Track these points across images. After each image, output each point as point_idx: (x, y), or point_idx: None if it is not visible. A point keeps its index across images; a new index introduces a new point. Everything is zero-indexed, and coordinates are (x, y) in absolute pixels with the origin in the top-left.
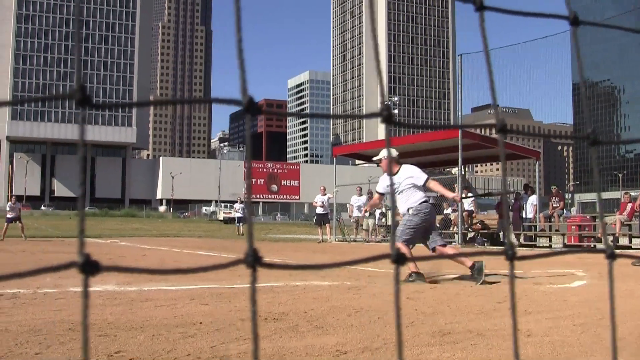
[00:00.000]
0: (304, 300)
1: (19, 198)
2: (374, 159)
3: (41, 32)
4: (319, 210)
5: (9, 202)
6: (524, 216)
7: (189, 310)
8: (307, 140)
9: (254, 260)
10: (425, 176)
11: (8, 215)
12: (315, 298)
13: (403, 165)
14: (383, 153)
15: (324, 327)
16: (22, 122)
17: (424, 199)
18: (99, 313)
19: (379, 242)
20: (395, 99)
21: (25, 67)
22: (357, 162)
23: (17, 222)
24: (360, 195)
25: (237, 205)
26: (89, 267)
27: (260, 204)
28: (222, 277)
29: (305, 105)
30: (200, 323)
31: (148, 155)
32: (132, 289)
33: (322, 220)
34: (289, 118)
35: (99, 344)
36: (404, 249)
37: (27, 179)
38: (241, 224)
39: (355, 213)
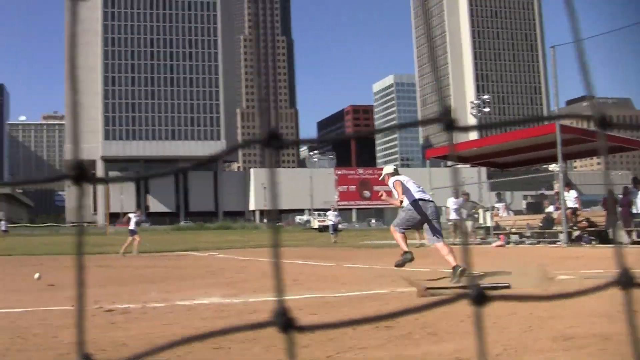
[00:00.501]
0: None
1: (116, 215)
2: (383, 172)
3: (127, 53)
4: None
5: (134, 214)
6: (634, 211)
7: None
8: (396, 144)
9: (285, 323)
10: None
11: (131, 228)
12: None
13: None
14: (387, 169)
15: (438, 333)
16: (115, 142)
17: (412, 199)
18: (211, 325)
19: (478, 244)
20: (486, 96)
21: (115, 88)
22: (450, 163)
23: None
24: (457, 197)
25: (330, 213)
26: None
27: (354, 211)
28: (324, 286)
29: (393, 109)
30: (313, 333)
31: (238, 167)
32: (238, 300)
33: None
34: (376, 122)
35: (216, 357)
36: (396, 234)
37: (122, 196)
38: (335, 232)
39: (452, 215)
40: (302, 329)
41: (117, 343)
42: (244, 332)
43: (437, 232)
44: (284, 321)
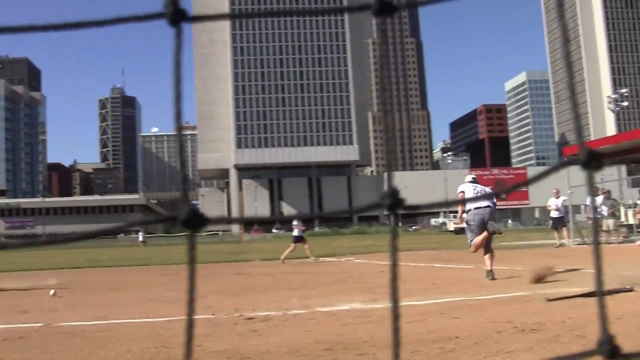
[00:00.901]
0: (559, 308)
1: (250, 223)
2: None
3: (257, 61)
4: (554, 214)
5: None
6: None
7: (442, 325)
8: (531, 143)
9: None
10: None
11: (295, 234)
12: (570, 306)
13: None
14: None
15: (587, 336)
16: (247, 150)
17: (469, 209)
18: (352, 332)
19: (620, 243)
20: (624, 90)
21: (245, 97)
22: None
23: (303, 242)
24: (597, 194)
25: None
26: None
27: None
28: (466, 289)
29: (526, 107)
30: (457, 337)
31: (372, 171)
32: (379, 305)
33: (558, 223)
34: (509, 121)
35: None
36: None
37: (256, 203)
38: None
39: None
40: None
41: (259, 351)
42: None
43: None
44: (609, 350)
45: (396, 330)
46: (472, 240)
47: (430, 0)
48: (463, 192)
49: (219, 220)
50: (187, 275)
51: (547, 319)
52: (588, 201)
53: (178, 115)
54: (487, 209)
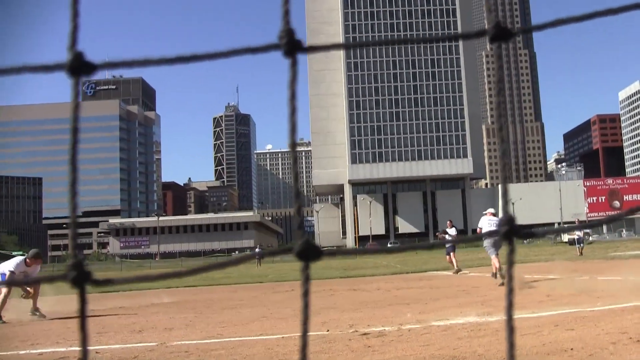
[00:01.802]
0: None
1: (365, 238)
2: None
3: (370, 77)
4: None
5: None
6: None
7: (556, 337)
8: None
9: None
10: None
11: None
12: None
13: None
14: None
15: None
16: (362, 165)
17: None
18: (468, 345)
19: None
20: None
21: (360, 112)
22: None
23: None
24: None
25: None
26: None
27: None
28: (581, 300)
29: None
30: (572, 349)
31: (486, 184)
32: (494, 319)
33: None
34: (623, 130)
35: None
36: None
37: (371, 218)
38: (581, 244)
39: None
40: None
41: None
42: None
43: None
44: None
45: (511, 345)
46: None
47: (543, 26)
48: (481, 228)
49: (334, 252)
50: (301, 306)
51: None
52: None
53: (293, 130)
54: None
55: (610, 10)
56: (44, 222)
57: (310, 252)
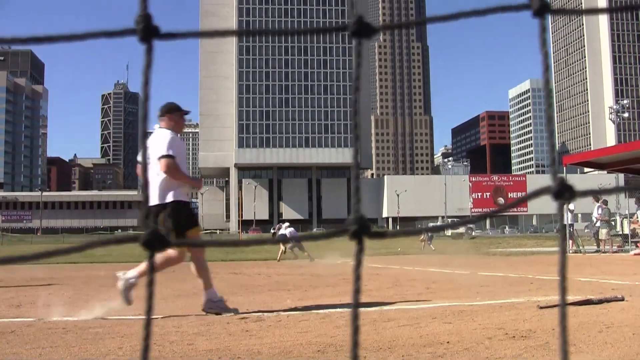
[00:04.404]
0: (550, 316)
1: (248, 222)
2: None
3: (262, 61)
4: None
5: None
6: None
7: (433, 329)
8: (532, 151)
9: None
10: None
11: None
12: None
13: None
14: None
15: (576, 344)
16: (249, 149)
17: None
18: (345, 334)
19: (615, 252)
20: (625, 101)
21: (249, 96)
22: (586, 170)
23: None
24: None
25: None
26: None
27: (488, 218)
28: (459, 294)
29: (528, 115)
30: (448, 342)
31: (372, 174)
32: (372, 309)
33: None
34: (511, 128)
35: None
36: None
37: (255, 203)
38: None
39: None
40: None
41: (251, 351)
42: None
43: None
44: None
45: (356, 330)
46: None
47: (415, 23)
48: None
49: (182, 243)
50: (145, 292)
51: (538, 327)
52: (568, 211)
53: (144, 119)
54: None
55: (502, 7)
56: None
57: (156, 242)
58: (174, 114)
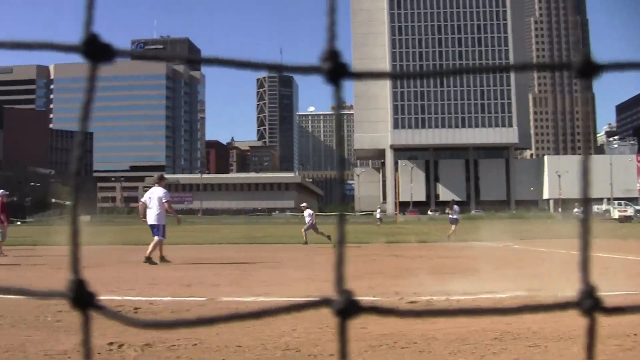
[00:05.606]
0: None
1: (405, 204)
2: None
3: (415, 41)
4: None
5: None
6: None
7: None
8: None
9: None
10: None
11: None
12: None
13: None
14: None
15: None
16: (404, 130)
17: None
18: (520, 322)
19: None
20: None
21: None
22: None
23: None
24: None
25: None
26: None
27: None
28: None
29: None
30: (635, 334)
31: (531, 154)
32: (543, 294)
33: None
34: None
35: (532, 355)
36: None
37: (412, 184)
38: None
39: None
40: None
41: (426, 337)
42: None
43: None
44: None
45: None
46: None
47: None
48: None
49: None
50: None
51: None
52: None
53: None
54: None
55: None
56: (94, 174)
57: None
58: (162, 181)
